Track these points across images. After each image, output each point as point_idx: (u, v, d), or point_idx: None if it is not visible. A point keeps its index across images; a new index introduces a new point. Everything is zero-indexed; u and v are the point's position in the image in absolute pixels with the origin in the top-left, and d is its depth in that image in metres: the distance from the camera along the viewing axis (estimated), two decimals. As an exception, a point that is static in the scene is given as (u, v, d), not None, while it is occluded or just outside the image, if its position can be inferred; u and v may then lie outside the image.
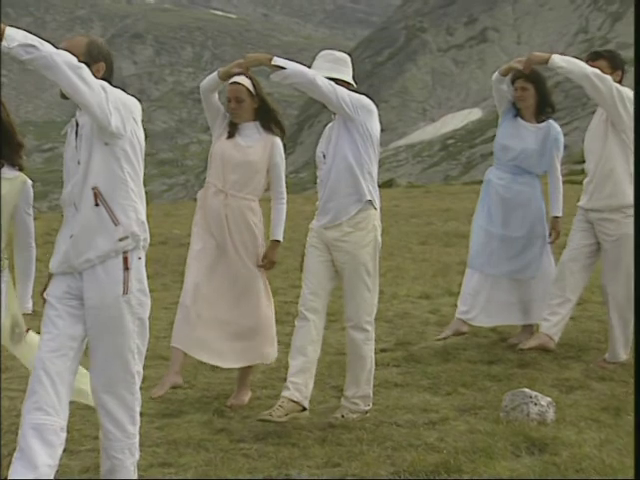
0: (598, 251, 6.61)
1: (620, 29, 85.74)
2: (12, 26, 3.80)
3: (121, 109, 4.02)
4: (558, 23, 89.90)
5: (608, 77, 6.31)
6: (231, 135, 5.85)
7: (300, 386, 5.31)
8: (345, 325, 5.64)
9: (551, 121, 7.09)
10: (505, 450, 4.70)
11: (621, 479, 4.11)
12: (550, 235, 7.10)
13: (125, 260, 4.04)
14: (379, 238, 5.56)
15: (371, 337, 5.58)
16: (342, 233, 5.45)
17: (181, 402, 5.75)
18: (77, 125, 4.11)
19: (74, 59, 3.88)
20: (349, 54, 5.91)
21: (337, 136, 5.48)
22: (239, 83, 5.76)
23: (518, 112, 7.12)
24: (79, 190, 4.04)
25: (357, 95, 5.43)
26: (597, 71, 6.30)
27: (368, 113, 5.46)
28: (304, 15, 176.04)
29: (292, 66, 5.28)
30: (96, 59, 4.11)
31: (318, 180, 5.66)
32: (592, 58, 6.54)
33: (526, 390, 5.37)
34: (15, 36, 3.76)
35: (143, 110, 4.28)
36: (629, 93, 6.33)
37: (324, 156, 5.56)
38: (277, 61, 5.26)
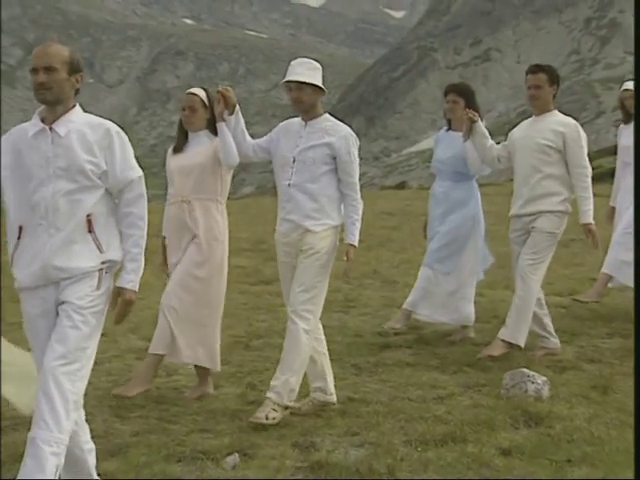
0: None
1: (608, 51, 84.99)
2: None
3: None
4: (553, 45, 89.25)
5: None
6: (179, 150, 5.54)
7: (325, 387, 5.13)
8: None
9: None
10: (505, 423, 4.70)
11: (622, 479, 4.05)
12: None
13: (100, 271, 3.68)
14: None
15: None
16: None
17: (218, 377, 5.75)
18: (51, 130, 3.65)
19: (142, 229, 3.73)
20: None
21: None
22: (194, 94, 5.47)
23: (449, 126, 6.97)
24: (68, 212, 3.62)
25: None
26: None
27: None
28: (327, 35, 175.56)
29: None
30: (76, 69, 3.71)
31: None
32: (533, 70, 6.22)
33: (524, 370, 5.34)
34: None
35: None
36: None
37: None
38: None
